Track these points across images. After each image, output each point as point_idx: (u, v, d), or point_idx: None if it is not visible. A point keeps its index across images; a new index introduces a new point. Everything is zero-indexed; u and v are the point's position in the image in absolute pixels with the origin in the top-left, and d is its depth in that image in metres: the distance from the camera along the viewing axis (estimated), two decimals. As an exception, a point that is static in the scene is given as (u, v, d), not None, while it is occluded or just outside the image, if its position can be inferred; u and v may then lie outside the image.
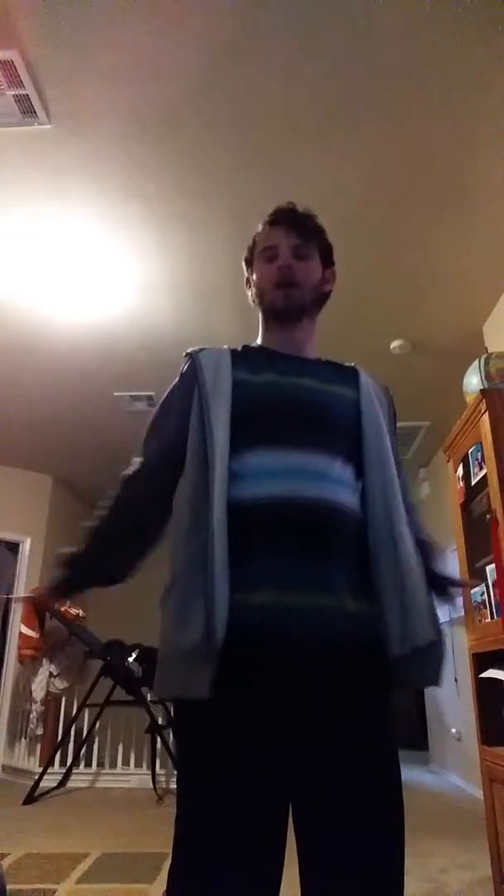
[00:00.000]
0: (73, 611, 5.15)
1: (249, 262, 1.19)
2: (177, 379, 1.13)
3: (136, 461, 1.11)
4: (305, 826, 0.88)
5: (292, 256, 1.12)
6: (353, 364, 1.17)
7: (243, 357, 1.10)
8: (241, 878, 0.82)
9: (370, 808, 0.87)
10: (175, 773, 3.82)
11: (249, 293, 1.20)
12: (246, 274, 1.20)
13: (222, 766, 0.85)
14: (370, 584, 0.96)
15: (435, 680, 0.98)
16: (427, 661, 0.96)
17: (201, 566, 0.89)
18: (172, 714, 0.97)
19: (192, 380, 1.06)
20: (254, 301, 1.18)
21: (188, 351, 1.12)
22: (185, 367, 1.11)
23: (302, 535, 0.93)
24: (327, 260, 1.18)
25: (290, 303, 1.12)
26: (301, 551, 0.93)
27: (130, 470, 1.11)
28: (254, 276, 1.17)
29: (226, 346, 1.13)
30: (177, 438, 1.04)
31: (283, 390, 1.05)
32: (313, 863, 0.87)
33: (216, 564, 0.88)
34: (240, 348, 1.13)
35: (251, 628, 0.86)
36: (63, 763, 4.71)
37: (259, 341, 1.18)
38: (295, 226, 1.13)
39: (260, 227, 1.18)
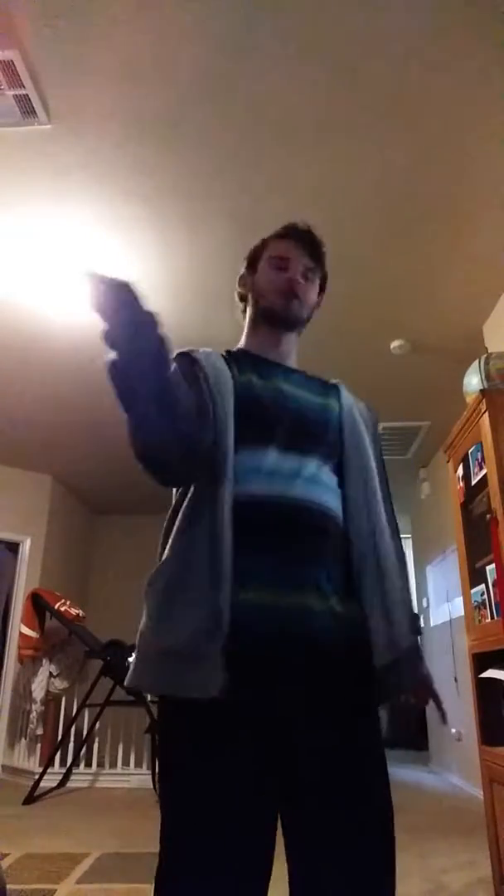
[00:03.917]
0: (73, 611, 5.15)
1: (252, 262, 1.18)
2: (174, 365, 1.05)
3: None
4: (293, 823, 0.88)
5: (301, 275, 1.14)
6: (336, 381, 1.19)
7: (229, 359, 1.09)
8: (229, 875, 0.82)
9: (357, 804, 0.87)
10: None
11: (240, 289, 1.19)
12: (242, 271, 1.19)
13: (209, 765, 0.85)
14: (355, 588, 0.97)
15: (409, 685, 0.98)
16: (403, 670, 0.96)
17: (203, 562, 0.88)
18: (158, 712, 0.95)
19: (194, 373, 1.01)
20: (243, 299, 1.18)
21: (181, 350, 1.05)
22: (182, 361, 1.03)
23: (292, 536, 0.94)
24: (322, 287, 1.21)
25: (289, 311, 1.13)
26: (291, 551, 0.93)
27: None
28: (254, 277, 1.16)
29: (210, 349, 1.09)
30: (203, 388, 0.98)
31: (266, 393, 1.05)
32: (302, 860, 0.87)
33: (223, 565, 0.88)
34: (224, 352, 1.11)
35: (242, 626, 0.86)
36: (63, 763, 4.72)
37: (242, 345, 1.17)
38: (310, 248, 1.16)
39: (272, 233, 1.18)
